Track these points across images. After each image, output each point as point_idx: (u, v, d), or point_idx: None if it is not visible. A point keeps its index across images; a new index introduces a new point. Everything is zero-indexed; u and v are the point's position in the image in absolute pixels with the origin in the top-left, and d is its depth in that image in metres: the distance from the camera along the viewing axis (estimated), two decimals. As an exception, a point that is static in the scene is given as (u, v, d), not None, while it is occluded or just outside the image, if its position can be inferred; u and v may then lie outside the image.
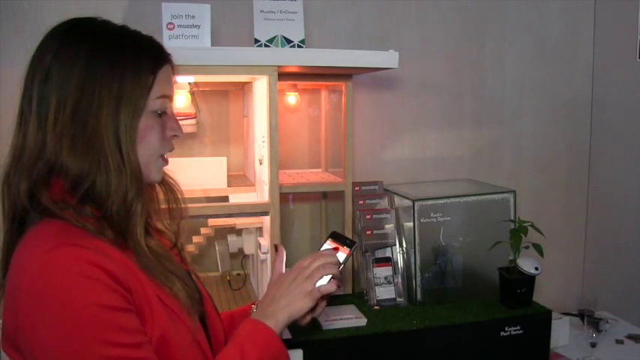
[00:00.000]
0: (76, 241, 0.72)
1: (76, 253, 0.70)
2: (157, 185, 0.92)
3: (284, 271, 1.03)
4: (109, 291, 0.71)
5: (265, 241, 1.53)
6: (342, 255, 1.05)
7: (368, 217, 1.66)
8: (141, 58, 0.80)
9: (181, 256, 0.96)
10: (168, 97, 0.84)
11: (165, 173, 0.92)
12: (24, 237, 0.76)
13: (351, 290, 1.74)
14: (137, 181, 0.79)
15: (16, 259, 0.73)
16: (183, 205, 0.95)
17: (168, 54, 0.86)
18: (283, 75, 1.49)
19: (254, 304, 1.11)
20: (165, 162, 0.88)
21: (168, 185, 0.93)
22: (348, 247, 1.06)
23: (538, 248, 1.55)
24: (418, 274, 1.63)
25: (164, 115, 0.84)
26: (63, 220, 0.74)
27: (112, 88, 0.76)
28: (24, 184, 0.76)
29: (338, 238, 1.09)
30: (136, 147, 0.79)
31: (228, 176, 1.74)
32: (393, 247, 1.68)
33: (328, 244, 1.08)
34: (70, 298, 0.68)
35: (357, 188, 1.74)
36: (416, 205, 1.61)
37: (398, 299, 1.65)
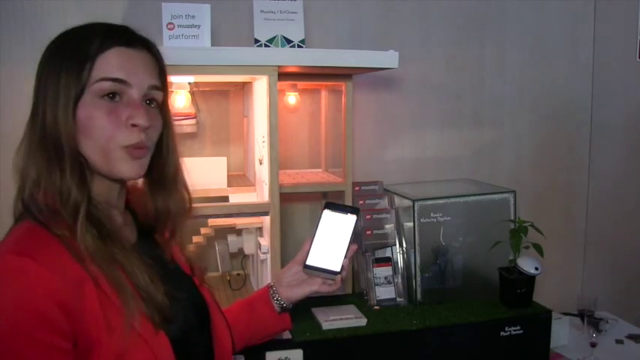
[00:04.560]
0: (30, 251, 0.70)
1: (23, 265, 0.68)
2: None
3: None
4: (35, 316, 0.67)
5: (265, 241, 1.53)
6: (351, 218, 1.05)
7: (368, 217, 1.66)
8: (79, 47, 0.77)
9: (187, 258, 0.96)
10: (121, 82, 0.78)
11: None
12: None
13: (351, 290, 1.74)
14: (80, 178, 0.76)
15: None
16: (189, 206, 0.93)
17: (124, 36, 0.80)
18: (283, 75, 1.49)
19: (269, 286, 1.12)
20: (133, 154, 0.79)
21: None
22: (352, 213, 1.07)
23: (538, 248, 1.55)
24: (418, 274, 1.63)
25: (119, 102, 0.78)
26: (37, 223, 0.74)
27: (52, 84, 0.76)
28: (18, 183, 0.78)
29: (336, 208, 1.08)
30: (78, 139, 0.76)
31: (228, 176, 1.74)
32: (393, 247, 1.68)
33: (327, 216, 1.07)
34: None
35: (357, 188, 1.74)
36: (416, 205, 1.61)
37: (398, 299, 1.65)
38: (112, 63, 0.78)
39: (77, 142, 0.76)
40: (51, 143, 0.75)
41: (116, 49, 0.78)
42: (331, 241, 1.07)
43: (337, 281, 1.06)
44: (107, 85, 0.77)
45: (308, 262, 1.07)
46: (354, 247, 1.08)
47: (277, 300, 1.11)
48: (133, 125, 0.78)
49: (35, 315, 0.67)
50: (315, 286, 1.08)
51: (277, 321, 1.12)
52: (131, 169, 0.80)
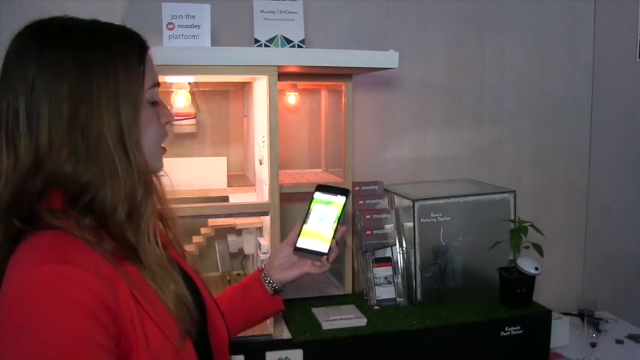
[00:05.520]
0: (66, 257, 0.67)
1: (63, 271, 0.66)
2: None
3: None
4: (90, 320, 0.66)
5: (265, 241, 1.53)
6: (340, 200, 1.09)
7: (368, 217, 1.66)
8: (127, 49, 0.76)
9: (182, 254, 0.95)
10: (157, 85, 0.82)
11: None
12: (17, 249, 0.71)
13: (351, 290, 1.74)
14: (145, 179, 0.76)
15: (9, 269, 0.70)
16: (172, 206, 0.91)
17: (146, 40, 0.82)
18: (283, 75, 1.48)
19: (260, 270, 1.14)
20: (164, 150, 0.86)
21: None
22: (341, 195, 1.10)
23: (538, 248, 1.55)
24: (418, 274, 1.63)
25: (156, 104, 0.82)
26: (59, 230, 0.70)
27: (108, 87, 0.72)
28: (14, 197, 0.71)
29: (327, 190, 1.12)
30: (142, 143, 0.76)
31: (228, 176, 1.74)
32: (393, 247, 1.68)
33: (317, 199, 1.11)
34: (48, 320, 0.64)
35: (357, 188, 1.74)
36: (416, 205, 1.61)
37: (398, 299, 1.65)
38: (153, 68, 0.81)
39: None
40: (113, 148, 0.72)
41: (149, 53, 0.81)
42: (321, 223, 1.10)
43: (324, 262, 1.09)
44: (156, 90, 0.81)
45: (298, 245, 1.10)
46: (343, 228, 1.11)
47: (269, 282, 1.12)
48: (166, 123, 0.85)
49: (91, 319, 0.66)
50: (305, 268, 1.11)
51: (271, 303, 1.14)
52: (160, 163, 0.86)
